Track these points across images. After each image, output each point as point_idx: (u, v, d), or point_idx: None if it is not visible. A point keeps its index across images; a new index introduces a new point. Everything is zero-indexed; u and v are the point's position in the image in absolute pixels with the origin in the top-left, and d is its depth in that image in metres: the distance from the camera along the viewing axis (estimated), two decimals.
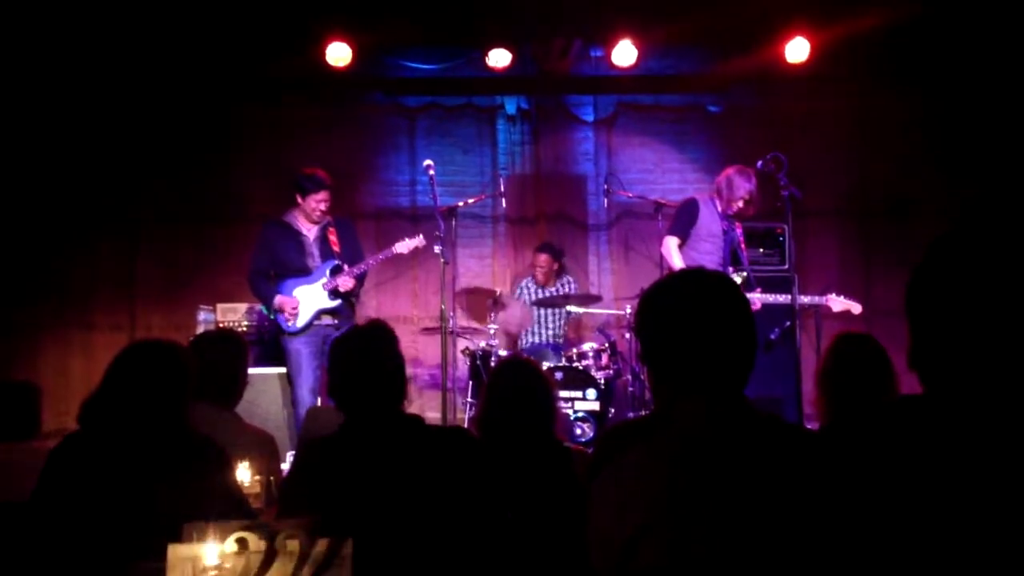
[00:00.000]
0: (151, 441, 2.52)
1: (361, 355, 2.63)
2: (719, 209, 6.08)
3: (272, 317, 5.84)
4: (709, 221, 6.06)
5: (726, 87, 7.73)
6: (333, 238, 5.89)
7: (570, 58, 7.53)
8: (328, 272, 5.79)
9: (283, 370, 5.84)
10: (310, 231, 5.86)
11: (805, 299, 5.89)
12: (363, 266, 5.85)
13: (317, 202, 5.76)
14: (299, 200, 5.81)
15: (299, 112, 7.61)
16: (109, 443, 2.52)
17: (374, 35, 6.91)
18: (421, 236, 5.92)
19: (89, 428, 2.59)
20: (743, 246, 6.18)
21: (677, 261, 5.94)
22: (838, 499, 1.37)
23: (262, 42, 6.90)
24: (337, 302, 5.80)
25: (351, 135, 7.69)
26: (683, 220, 6.08)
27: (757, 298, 5.83)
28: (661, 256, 6.16)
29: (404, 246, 5.86)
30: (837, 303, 5.96)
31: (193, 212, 7.58)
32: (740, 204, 6.01)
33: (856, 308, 5.96)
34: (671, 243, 6.03)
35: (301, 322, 5.73)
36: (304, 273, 5.80)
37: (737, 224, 6.16)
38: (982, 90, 7.33)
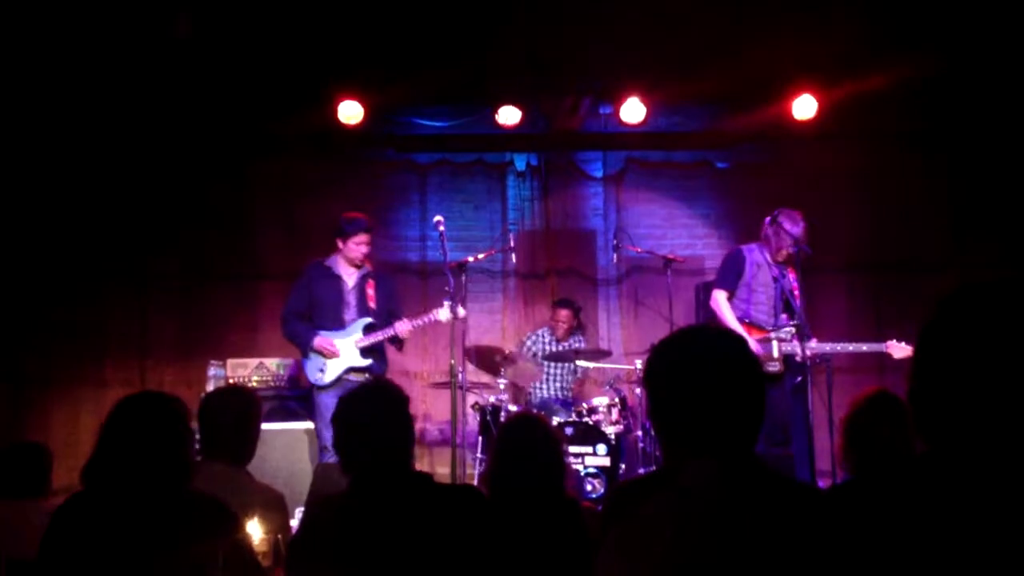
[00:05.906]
0: (157, 501, 2.48)
1: (367, 416, 2.60)
2: (768, 257, 5.92)
3: (308, 358, 5.73)
4: (758, 271, 5.90)
5: (734, 144, 7.79)
6: (371, 291, 5.86)
7: (579, 115, 7.61)
8: (362, 330, 5.75)
9: (294, 425, 5.81)
10: (350, 276, 5.86)
11: (864, 347, 5.81)
12: (392, 331, 5.71)
13: (357, 244, 5.77)
14: (340, 245, 5.83)
15: (311, 169, 7.67)
16: (113, 503, 2.48)
17: (385, 93, 7.00)
18: (462, 308, 5.74)
19: (93, 488, 2.55)
20: (796, 294, 5.89)
21: (727, 313, 5.82)
22: (852, 561, 1.36)
23: (274, 100, 6.99)
24: (368, 361, 5.72)
25: (363, 191, 7.74)
26: (729, 272, 5.95)
27: (813, 347, 5.67)
28: (711, 311, 5.97)
29: (445, 314, 5.72)
30: (898, 349, 5.72)
31: (205, 268, 7.60)
32: (790, 250, 5.80)
33: None
34: (720, 297, 5.89)
35: (330, 377, 5.67)
36: (338, 326, 5.76)
37: (790, 270, 5.94)
38: (990, 146, 7.35)
